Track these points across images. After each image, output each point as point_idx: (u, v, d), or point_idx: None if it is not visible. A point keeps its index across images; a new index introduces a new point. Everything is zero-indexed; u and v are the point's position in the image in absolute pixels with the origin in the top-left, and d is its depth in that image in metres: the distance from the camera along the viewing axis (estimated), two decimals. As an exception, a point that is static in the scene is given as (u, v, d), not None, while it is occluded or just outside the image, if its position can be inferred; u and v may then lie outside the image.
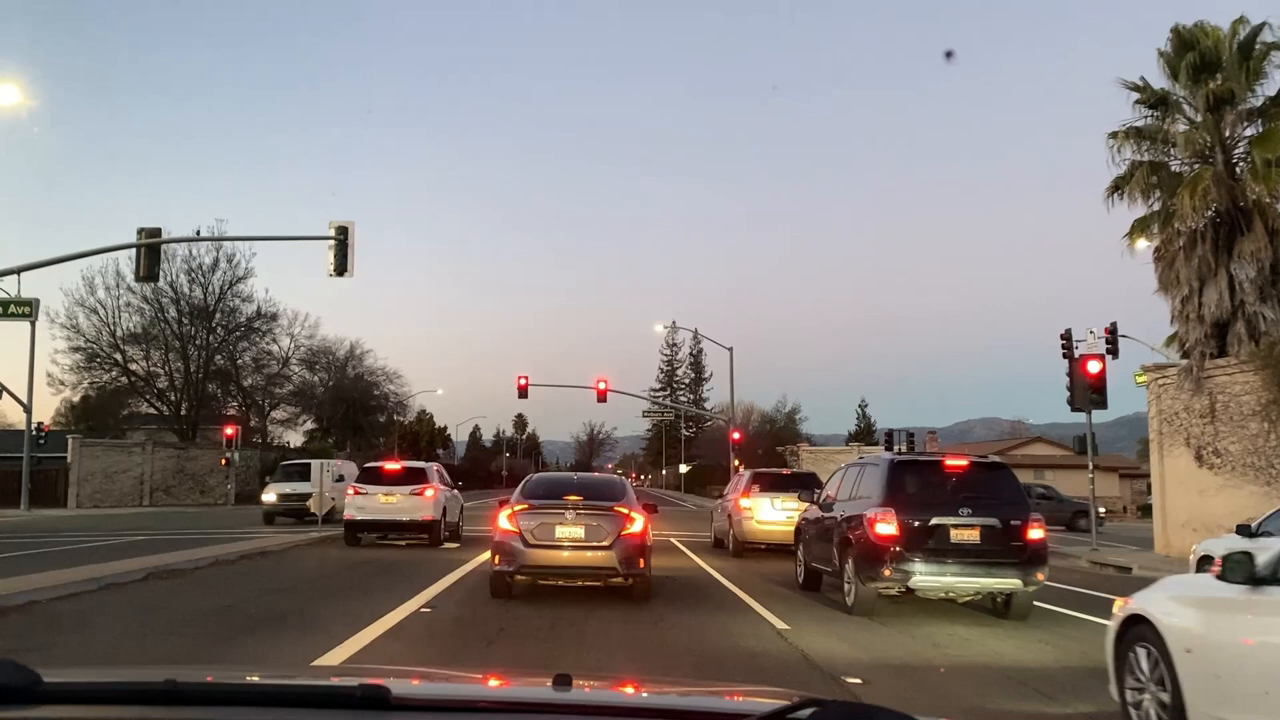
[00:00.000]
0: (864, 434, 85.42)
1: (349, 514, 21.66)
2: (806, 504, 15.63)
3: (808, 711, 1.63)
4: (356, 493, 21.70)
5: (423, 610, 11.64)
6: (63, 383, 59.45)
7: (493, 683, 2.57)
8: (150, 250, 26.90)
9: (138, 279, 27.41)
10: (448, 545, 21.95)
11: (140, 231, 26.78)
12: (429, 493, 21.67)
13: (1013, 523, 11.79)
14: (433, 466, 23.39)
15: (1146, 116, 23.97)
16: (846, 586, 12.46)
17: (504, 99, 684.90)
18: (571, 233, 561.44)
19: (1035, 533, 11.82)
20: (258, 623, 10.79)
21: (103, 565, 15.24)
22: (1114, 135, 24.04)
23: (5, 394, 50.09)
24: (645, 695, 2.33)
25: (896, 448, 52.81)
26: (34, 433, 48.25)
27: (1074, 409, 27.72)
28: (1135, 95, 23.99)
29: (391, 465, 22.93)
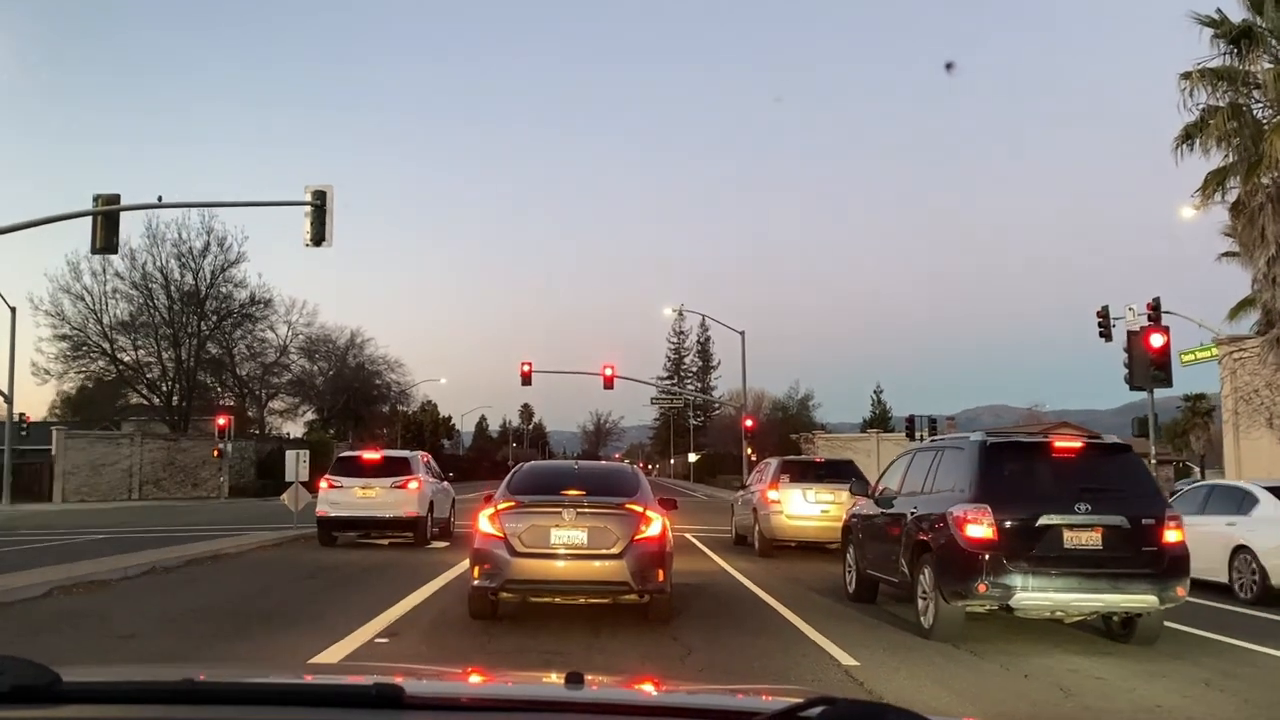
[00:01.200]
0: (880, 420, 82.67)
1: (321, 510, 19.01)
2: (857, 497, 12.94)
3: (818, 709, 1.62)
4: (331, 485, 19.06)
5: (378, 641, 8.99)
6: (48, 372, 56.91)
7: (505, 681, 2.70)
8: (108, 219, 24.16)
9: (94, 251, 24.71)
10: (436, 544, 19.35)
11: (97, 199, 24.12)
12: (413, 485, 19.02)
13: (1144, 521, 9.07)
14: (418, 455, 20.71)
15: (1225, 54, 21.08)
16: (922, 603, 9.77)
17: (507, 81, 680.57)
18: (578, 218, 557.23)
19: (1173, 534, 9.11)
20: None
21: (7, 577, 12.62)
22: (1186, 76, 21.18)
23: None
24: (657, 693, 2.33)
25: (920, 434, 50.18)
26: (15, 423, 45.94)
27: (1133, 387, 25.02)
28: (1210, 30, 21.13)
29: (370, 454, 20.21)
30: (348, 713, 1.76)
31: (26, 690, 1.67)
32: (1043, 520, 8.97)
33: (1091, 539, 8.97)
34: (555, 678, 2.14)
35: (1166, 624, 9.73)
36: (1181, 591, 9.03)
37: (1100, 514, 8.99)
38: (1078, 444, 9.59)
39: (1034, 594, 8.91)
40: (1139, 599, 8.94)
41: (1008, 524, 8.99)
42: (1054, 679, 7.91)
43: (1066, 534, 8.97)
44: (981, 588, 8.91)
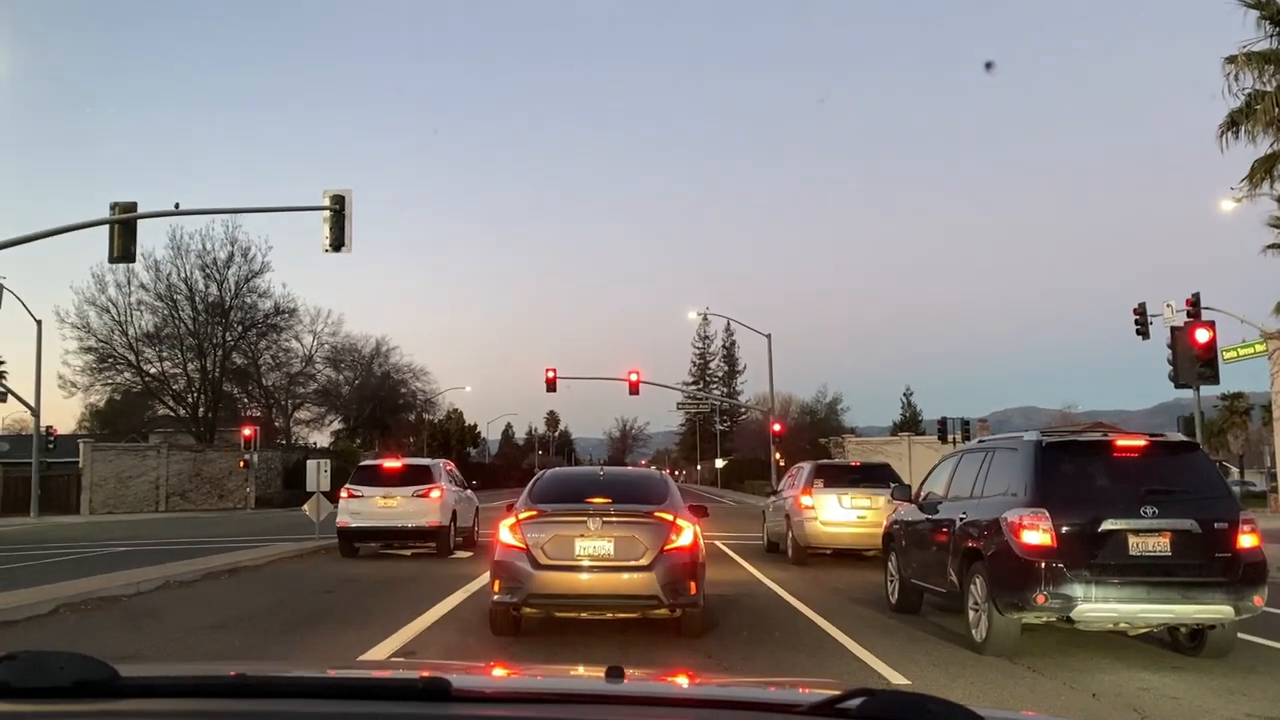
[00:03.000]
0: (910, 423, 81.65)
1: (342, 520, 18.57)
2: (898, 502, 12.30)
3: (857, 701, 1.64)
4: (351, 495, 18.62)
5: (392, 661, 8.44)
6: (75, 385, 56.99)
7: (546, 676, 2.72)
8: (125, 228, 23.90)
9: (111, 260, 24.42)
10: (459, 554, 18.87)
11: (114, 206, 23.86)
12: (435, 494, 18.53)
13: (1217, 525, 8.38)
14: (440, 464, 20.24)
15: (1271, 35, 20.27)
16: (973, 615, 9.13)
17: (530, 87, 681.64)
18: (603, 222, 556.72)
19: (1248, 538, 8.42)
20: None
21: (16, 593, 12.20)
22: (1231, 60, 20.42)
23: (11, 397, 48.03)
24: (695, 686, 2.38)
25: (952, 437, 49.26)
26: (42, 436, 45.98)
27: (1178, 385, 24.29)
28: (1255, 12, 20.33)
29: (391, 463, 19.75)
30: (395, 705, 1.78)
31: (88, 685, 1.72)
32: (1105, 525, 8.31)
33: (1159, 545, 8.30)
34: (592, 672, 2.23)
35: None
36: (1259, 601, 8.33)
37: (1168, 518, 8.31)
38: (1141, 442, 8.90)
39: (1097, 605, 8.25)
40: (1213, 610, 8.26)
41: (1067, 530, 8.33)
42: (1125, 699, 7.26)
43: (1132, 540, 8.30)
44: (1040, 599, 8.26)
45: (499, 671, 2.74)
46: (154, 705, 1.76)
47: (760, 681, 2.82)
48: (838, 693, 1.73)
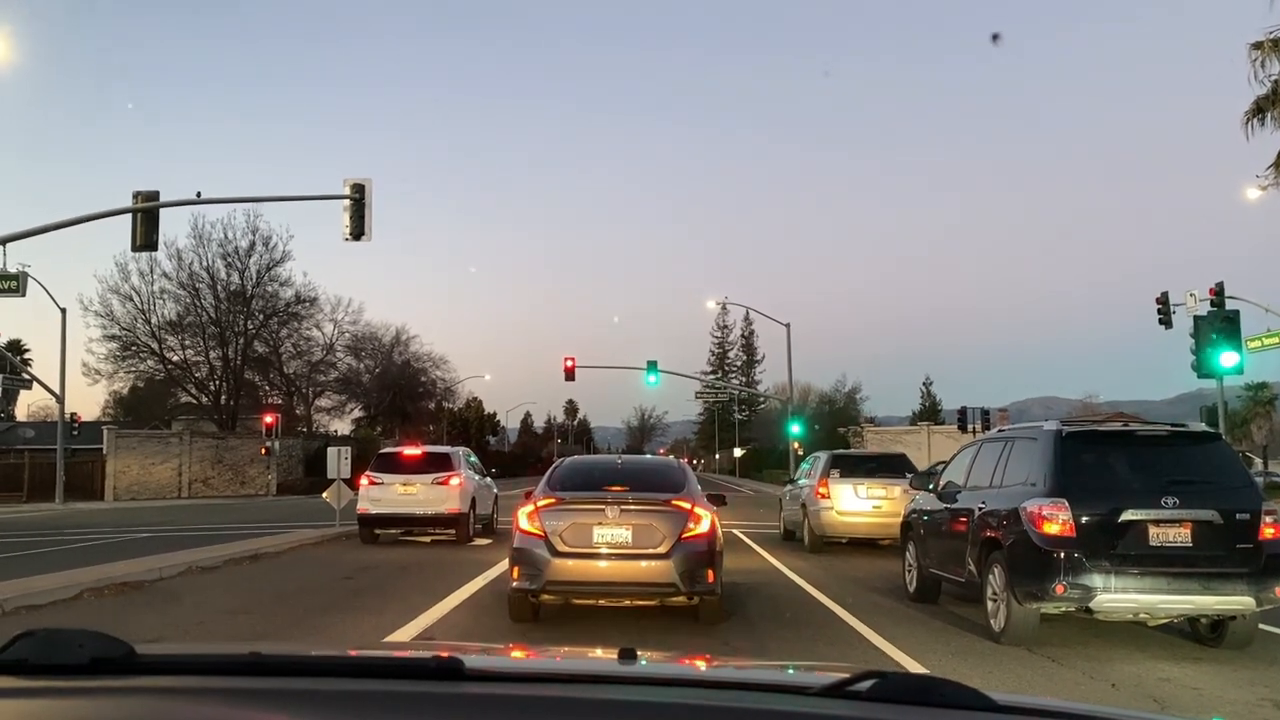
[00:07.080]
0: (929, 413, 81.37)
1: (362, 507, 18.70)
2: (916, 491, 12.27)
3: (868, 683, 1.63)
4: (371, 482, 18.74)
5: (410, 643, 8.52)
6: (98, 372, 57.58)
7: (560, 657, 2.77)
8: (147, 216, 24.07)
9: (134, 248, 24.62)
10: (478, 541, 18.96)
11: (136, 195, 24.03)
12: (454, 481, 18.62)
13: (1239, 516, 8.31)
14: (459, 451, 20.34)
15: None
16: (991, 605, 9.11)
17: (544, 75, 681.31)
18: (621, 211, 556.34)
19: (1270, 529, 8.34)
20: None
21: (41, 578, 12.36)
22: (1257, 46, 20.15)
23: (37, 384, 48.54)
24: (708, 668, 2.39)
25: (971, 427, 49.05)
26: (67, 423, 46.43)
27: (1201, 375, 24.10)
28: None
29: (410, 451, 19.87)
30: (409, 683, 1.78)
31: (104, 662, 1.74)
32: (1126, 515, 8.26)
33: (1180, 535, 8.24)
34: (606, 654, 2.27)
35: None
36: (1281, 593, 8.27)
37: (1189, 508, 8.25)
38: (1162, 433, 8.85)
39: (1117, 595, 8.21)
40: (1234, 600, 8.20)
41: (1087, 520, 8.29)
42: (1145, 689, 7.22)
43: (1152, 530, 8.25)
44: (1059, 588, 8.23)
45: (514, 653, 2.72)
46: (170, 682, 1.76)
47: (773, 664, 2.80)
48: (847, 675, 1.72)
